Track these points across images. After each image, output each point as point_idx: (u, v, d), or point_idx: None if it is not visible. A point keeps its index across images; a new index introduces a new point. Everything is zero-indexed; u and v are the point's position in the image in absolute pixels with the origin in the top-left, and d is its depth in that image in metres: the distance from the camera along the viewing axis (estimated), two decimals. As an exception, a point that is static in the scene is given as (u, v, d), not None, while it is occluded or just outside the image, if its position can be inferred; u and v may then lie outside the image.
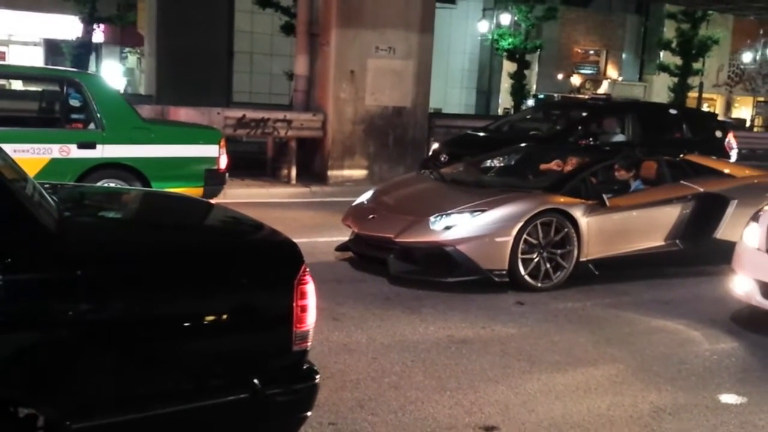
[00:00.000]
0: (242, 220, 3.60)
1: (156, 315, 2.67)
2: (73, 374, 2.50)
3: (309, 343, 2.96)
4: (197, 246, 3.04)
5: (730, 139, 11.94)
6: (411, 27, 12.93)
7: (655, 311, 6.23)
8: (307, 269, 2.97)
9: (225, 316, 2.82)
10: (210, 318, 2.79)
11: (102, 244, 2.82)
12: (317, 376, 3.02)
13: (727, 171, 7.90)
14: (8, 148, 7.57)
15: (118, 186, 7.62)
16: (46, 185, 3.46)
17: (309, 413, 3.03)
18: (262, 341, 2.91)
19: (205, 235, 3.41)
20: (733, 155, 11.70)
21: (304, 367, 2.99)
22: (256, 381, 2.80)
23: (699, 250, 7.25)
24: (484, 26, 31.70)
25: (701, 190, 7.33)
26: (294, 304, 2.87)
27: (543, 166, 8.01)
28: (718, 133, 11.95)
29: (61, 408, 2.49)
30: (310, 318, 2.94)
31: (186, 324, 2.74)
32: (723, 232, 7.24)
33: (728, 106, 41.02)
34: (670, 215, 7.19)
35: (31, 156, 7.42)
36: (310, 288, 2.94)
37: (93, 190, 4.20)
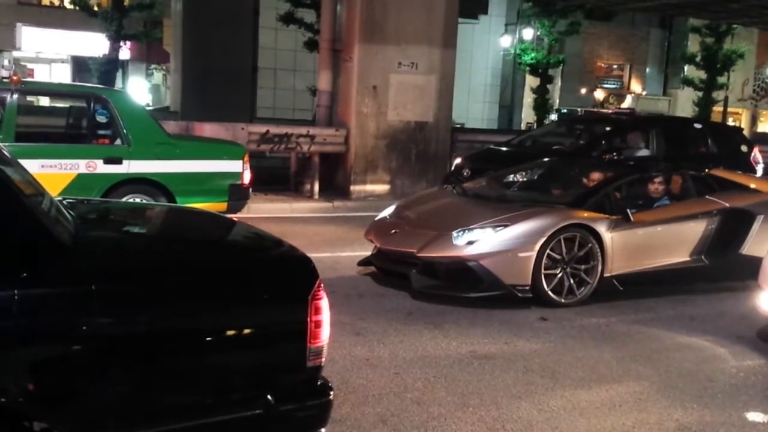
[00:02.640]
0: (258, 235, 3.59)
1: (170, 330, 2.67)
2: (87, 389, 2.51)
3: (323, 359, 2.95)
4: (212, 261, 3.04)
5: (756, 154, 11.81)
6: (433, 42, 12.98)
7: (680, 327, 6.16)
8: (322, 285, 2.95)
9: (239, 332, 2.82)
10: (224, 333, 2.78)
11: (117, 259, 2.83)
12: (331, 393, 3.00)
13: (753, 186, 7.82)
14: (36, 163, 7.76)
15: (139, 201, 7.71)
16: (66, 200, 3.51)
17: (323, 429, 3.01)
18: (275, 357, 2.90)
19: (219, 250, 3.40)
20: (759, 170, 11.58)
21: (319, 383, 2.98)
22: (269, 397, 2.78)
23: (725, 265, 7.18)
24: (506, 41, 31.72)
25: (727, 205, 7.26)
26: (308, 320, 2.86)
27: (584, 180, 7.89)
28: (744, 148, 11.84)
29: (75, 423, 2.50)
30: (325, 333, 2.93)
31: (200, 339, 2.73)
32: (749, 248, 7.16)
33: (754, 121, 40.60)
34: (695, 230, 7.13)
35: (59, 171, 7.53)
36: (324, 303, 2.93)
37: (112, 205, 4.23)
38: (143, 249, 3.17)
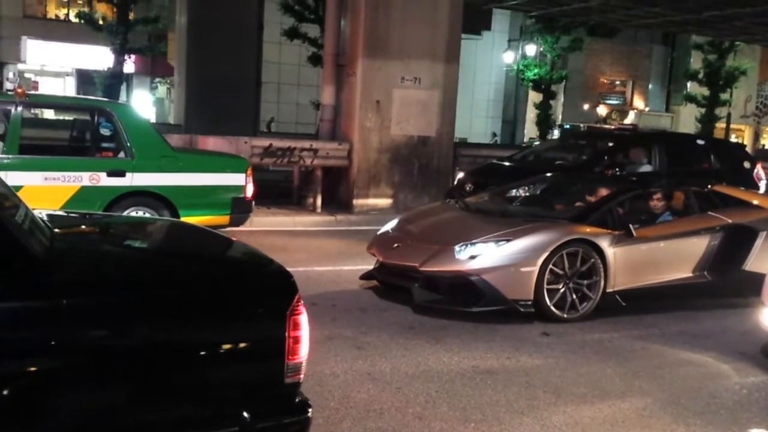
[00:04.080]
0: (237, 248, 3.53)
1: (141, 346, 2.60)
2: (56, 405, 2.45)
3: (302, 376, 2.88)
4: (187, 275, 2.97)
5: (759, 170, 11.82)
6: (437, 57, 13.03)
7: (683, 344, 6.14)
8: (301, 300, 2.90)
9: (214, 347, 2.74)
10: (198, 349, 2.70)
11: (90, 273, 2.77)
12: (310, 410, 2.93)
13: (755, 202, 7.81)
14: (40, 175, 7.78)
15: (142, 215, 7.73)
16: (46, 214, 3.44)
17: None
18: (252, 373, 2.82)
19: (196, 264, 3.31)
20: (762, 186, 11.58)
21: (297, 400, 2.91)
22: (245, 414, 2.71)
23: (727, 282, 7.16)
24: (509, 57, 31.84)
25: (729, 221, 7.25)
26: (287, 336, 2.79)
27: (586, 195, 7.89)
28: (747, 164, 11.85)
29: None
30: (303, 350, 2.86)
31: (173, 355, 2.66)
32: (752, 264, 7.14)
33: (756, 137, 40.63)
34: (698, 246, 7.12)
35: (62, 183, 7.55)
36: (303, 319, 2.86)
37: (95, 218, 4.16)
38: (118, 263, 3.10)
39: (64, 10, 28.39)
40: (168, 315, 2.67)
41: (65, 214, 4.35)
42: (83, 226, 3.91)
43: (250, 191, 8.53)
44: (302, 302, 2.90)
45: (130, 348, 2.58)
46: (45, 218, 3.28)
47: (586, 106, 37.31)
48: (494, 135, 34.86)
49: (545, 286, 6.38)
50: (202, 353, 2.71)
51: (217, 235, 3.91)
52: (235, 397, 2.76)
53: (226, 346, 2.76)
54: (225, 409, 2.74)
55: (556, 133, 27.33)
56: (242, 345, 2.79)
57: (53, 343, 2.44)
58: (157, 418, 2.63)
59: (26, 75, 27.09)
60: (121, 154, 7.95)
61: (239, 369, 2.77)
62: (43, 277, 2.57)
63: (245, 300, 2.86)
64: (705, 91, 29.37)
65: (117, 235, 3.83)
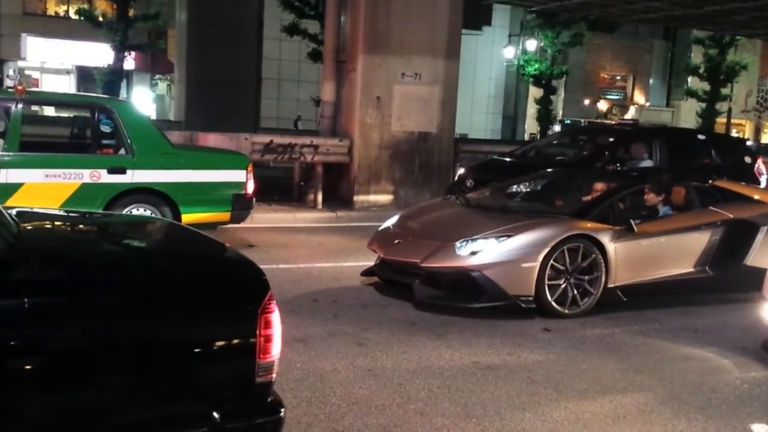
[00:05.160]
0: (208, 244, 3.46)
1: (107, 346, 2.53)
2: (17, 405, 2.38)
3: (274, 375, 2.83)
4: (154, 273, 2.90)
5: (760, 165, 11.80)
6: (437, 53, 13.01)
7: (684, 339, 6.15)
8: (273, 297, 2.84)
9: (182, 346, 2.67)
10: (166, 347, 2.64)
11: (56, 271, 2.69)
12: (282, 410, 2.87)
13: (756, 197, 7.81)
14: (40, 172, 7.78)
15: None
16: (16, 210, 3.36)
17: None
18: (222, 372, 2.75)
19: (164, 261, 3.24)
20: (763, 181, 11.57)
21: (269, 399, 2.85)
22: (215, 414, 2.66)
23: (728, 276, 7.16)
24: (510, 52, 31.77)
25: (731, 216, 7.25)
26: (258, 334, 2.73)
27: (587, 191, 7.88)
28: (748, 159, 11.83)
29: None
30: (275, 349, 2.80)
31: (139, 354, 2.58)
32: (753, 259, 7.14)
33: (757, 132, 40.59)
34: (699, 241, 7.12)
35: (63, 181, 7.55)
36: (275, 317, 2.80)
37: (69, 215, 4.08)
38: (85, 261, 2.98)
39: (64, 7, 28.35)
40: (134, 314, 2.60)
41: (35, 210, 4.16)
42: (55, 223, 3.77)
43: (250, 188, 8.53)
44: (274, 300, 2.84)
45: (94, 348, 2.51)
46: (14, 214, 3.19)
47: (586, 102, 37.26)
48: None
49: (546, 281, 6.38)
50: (170, 352, 2.64)
51: (190, 231, 3.82)
52: (205, 396, 2.70)
53: (195, 345, 2.69)
54: (194, 409, 2.67)
55: (556, 129, 27.28)
56: (211, 344, 2.72)
57: (13, 343, 2.38)
58: (124, 419, 2.57)
59: (26, 72, 27.07)
60: (122, 151, 7.94)
61: (209, 368, 2.71)
62: (6, 275, 2.49)
63: (214, 298, 2.80)
64: (706, 86, 29.30)
65: (88, 233, 3.73)
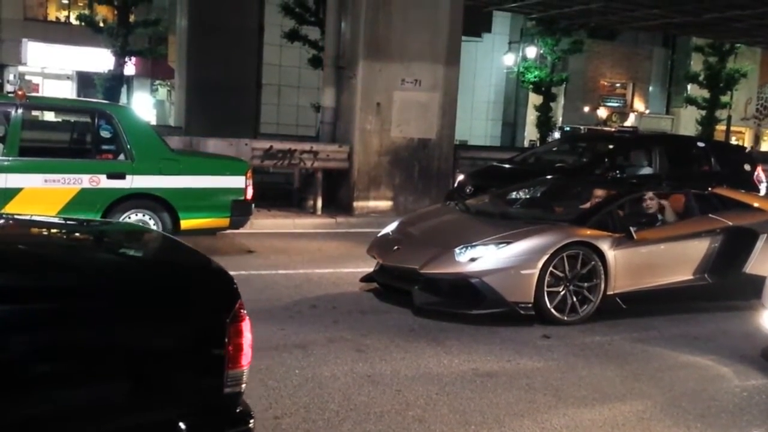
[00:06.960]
0: (176, 249, 3.37)
1: (66, 355, 2.44)
2: None
3: (244, 385, 2.76)
4: (118, 280, 2.78)
5: (759, 173, 11.82)
6: (437, 60, 13.04)
7: (683, 346, 6.14)
8: (243, 306, 2.77)
9: (147, 355, 2.57)
10: (129, 356, 2.53)
11: (11, 279, 2.57)
12: (251, 421, 2.79)
13: (756, 204, 7.81)
14: (40, 177, 7.78)
15: (140, 218, 7.72)
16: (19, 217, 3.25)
17: None
18: (189, 382, 2.65)
19: (129, 267, 3.12)
20: (762, 189, 11.57)
21: (237, 410, 2.76)
22: (182, 425, 2.57)
23: (728, 284, 7.15)
24: (509, 59, 31.84)
25: (730, 223, 7.24)
26: (227, 343, 2.66)
27: (586, 198, 7.89)
28: (747, 167, 11.84)
29: None
30: (245, 358, 2.73)
31: (101, 363, 2.48)
32: (752, 267, 7.14)
33: (757, 140, 40.63)
34: (698, 249, 7.11)
35: (62, 186, 7.55)
36: (245, 326, 2.73)
37: (35, 221, 3.95)
38: (44, 268, 2.83)
39: (65, 13, 28.41)
40: (95, 322, 2.50)
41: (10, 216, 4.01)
42: (17, 230, 3.58)
43: (250, 193, 8.52)
44: (245, 309, 2.77)
45: (51, 358, 2.42)
46: None
47: (586, 109, 37.31)
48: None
49: (546, 288, 6.37)
50: (134, 361, 2.55)
51: (159, 235, 3.73)
52: (170, 407, 2.61)
53: (160, 355, 2.60)
54: (160, 419, 2.58)
55: (556, 136, 27.31)
56: (177, 352, 2.63)
57: None
58: (85, 430, 2.48)
59: (27, 77, 27.10)
60: (121, 157, 7.94)
61: (175, 377, 2.62)
62: None
63: (180, 305, 2.70)
64: (705, 94, 29.38)
65: (50, 240, 3.58)
